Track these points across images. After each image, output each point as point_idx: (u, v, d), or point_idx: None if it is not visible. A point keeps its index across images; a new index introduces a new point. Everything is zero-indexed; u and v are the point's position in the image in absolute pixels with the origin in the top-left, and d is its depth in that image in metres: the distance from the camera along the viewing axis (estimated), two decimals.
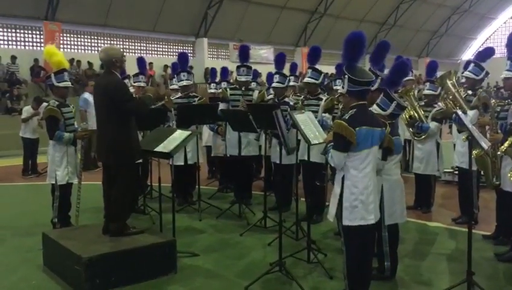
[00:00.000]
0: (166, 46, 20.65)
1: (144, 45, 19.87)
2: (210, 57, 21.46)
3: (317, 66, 6.10)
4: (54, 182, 5.52)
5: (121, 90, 4.49)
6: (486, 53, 5.98)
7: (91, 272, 4.03)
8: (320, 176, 5.79)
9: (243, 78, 6.82)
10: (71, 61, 15.42)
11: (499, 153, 4.42)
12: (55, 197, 5.55)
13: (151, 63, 17.64)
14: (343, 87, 3.57)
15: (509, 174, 4.06)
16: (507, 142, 4.03)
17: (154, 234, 4.87)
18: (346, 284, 3.62)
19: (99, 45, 18.44)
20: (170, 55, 20.32)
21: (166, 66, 18.67)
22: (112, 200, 4.57)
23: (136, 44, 19.54)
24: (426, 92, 6.54)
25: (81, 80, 16.17)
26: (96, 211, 6.15)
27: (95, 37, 18.31)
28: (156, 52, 20.31)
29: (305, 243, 4.81)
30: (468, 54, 34.33)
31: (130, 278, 4.24)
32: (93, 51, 18.25)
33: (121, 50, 4.77)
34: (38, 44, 16.83)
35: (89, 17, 17.32)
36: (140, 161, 6.15)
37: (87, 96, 9.95)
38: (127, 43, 19.17)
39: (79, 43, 18.07)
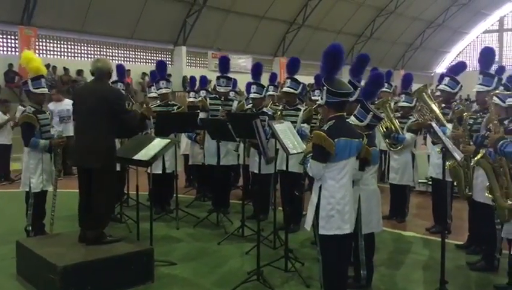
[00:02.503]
0: (144, 54, 20.53)
1: (122, 51, 19.69)
2: (188, 65, 21.41)
3: (295, 77, 6.18)
4: (28, 190, 5.43)
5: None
6: (459, 67, 6.16)
7: (66, 281, 3.98)
8: (299, 185, 5.85)
9: (222, 89, 6.85)
10: (47, 66, 15.15)
11: (471, 164, 4.54)
12: (29, 205, 5.46)
13: (128, 70, 17.48)
14: (321, 98, 3.63)
15: (486, 193, 4.18)
16: (479, 154, 4.15)
17: (131, 242, 4.84)
18: None
19: (75, 50, 18.22)
20: (148, 62, 20.20)
21: (144, 74, 18.54)
22: (93, 207, 4.53)
23: (113, 51, 19.35)
24: (402, 104, 6.69)
25: (57, 86, 15.93)
26: (71, 219, 6.04)
27: (72, 43, 18.07)
28: (133, 60, 20.16)
29: (283, 252, 4.85)
30: (442, 67, 35.12)
31: (106, 287, 4.19)
32: (69, 57, 18.02)
33: None
34: (13, 49, 16.53)
35: (66, 23, 17.10)
36: (118, 169, 6.11)
37: (50, 105, 9.73)
38: (104, 50, 18.97)
39: (55, 48, 17.80)
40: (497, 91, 4.57)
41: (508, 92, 4.36)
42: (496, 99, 4.41)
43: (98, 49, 18.73)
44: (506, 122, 4.20)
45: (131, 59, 20.02)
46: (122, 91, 7.60)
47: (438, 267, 4.14)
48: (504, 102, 4.40)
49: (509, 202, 3.92)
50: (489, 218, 4.68)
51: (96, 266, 4.21)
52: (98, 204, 4.53)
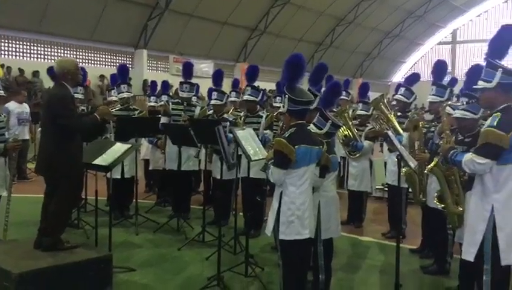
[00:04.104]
0: (103, 56, 20.14)
1: (80, 53, 19.25)
2: (149, 69, 21.18)
3: (256, 84, 6.25)
4: None
5: (60, 103, 4.33)
6: (413, 78, 6.42)
7: (22, 289, 3.86)
8: (260, 191, 5.91)
9: (185, 95, 6.83)
10: (1, 66, 14.67)
11: (425, 171, 4.73)
12: None
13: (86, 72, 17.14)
14: (283, 106, 3.71)
15: (435, 201, 4.34)
16: (433, 162, 4.32)
17: (89, 249, 4.74)
18: None
19: (31, 51, 17.70)
20: (108, 65, 19.85)
21: (102, 76, 18.22)
22: (49, 213, 4.42)
23: (72, 52, 18.88)
24: (359, 112, 6.89)
25: (11, 88, 15.40)
26: (26, 224, 5.89)
27: (28, 43, 17.53)
28: (92, 62, 19.75)
29: (243, 257, 4.88)
30: (398, 76, 36.25)
31: None
32: (25, 58, 17.49)
33: (76, 63, 4.62)
34: None
35: (22, 23, 16.59)
36: None
37: (10, 104, 9.35)
38: (62, 51, 18.48)
39: (10, 48, 17.24)
40: (449, 102, 4.78)
41: (459, 104, 4.56)
42: (449, 110, 4.60)
43: (55, 50, 18.26)
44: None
45: (89, 61, 19.59)
46: (81, 95, 7.49)
47: (393, 271, 4.28)
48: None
49: (460, 209, 4.09)
50: (441, 223, 4.87)
51: (53, 273, 4.10)
52: (50, 211, 4.41)
